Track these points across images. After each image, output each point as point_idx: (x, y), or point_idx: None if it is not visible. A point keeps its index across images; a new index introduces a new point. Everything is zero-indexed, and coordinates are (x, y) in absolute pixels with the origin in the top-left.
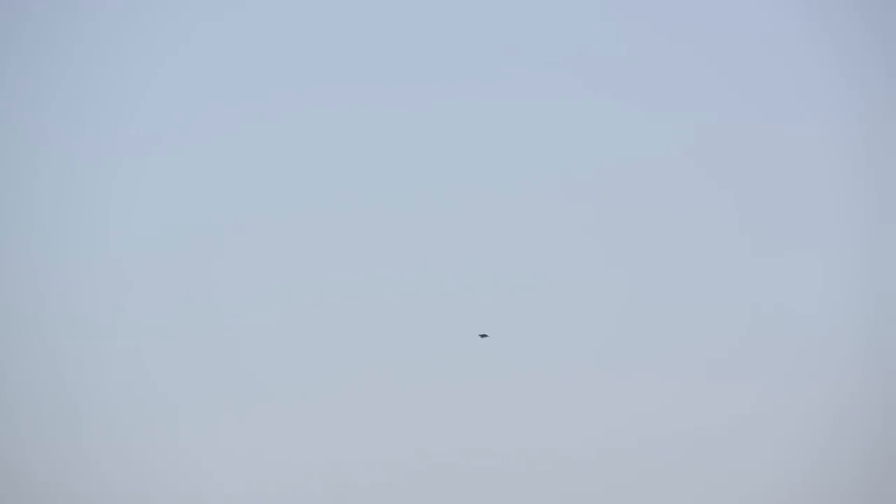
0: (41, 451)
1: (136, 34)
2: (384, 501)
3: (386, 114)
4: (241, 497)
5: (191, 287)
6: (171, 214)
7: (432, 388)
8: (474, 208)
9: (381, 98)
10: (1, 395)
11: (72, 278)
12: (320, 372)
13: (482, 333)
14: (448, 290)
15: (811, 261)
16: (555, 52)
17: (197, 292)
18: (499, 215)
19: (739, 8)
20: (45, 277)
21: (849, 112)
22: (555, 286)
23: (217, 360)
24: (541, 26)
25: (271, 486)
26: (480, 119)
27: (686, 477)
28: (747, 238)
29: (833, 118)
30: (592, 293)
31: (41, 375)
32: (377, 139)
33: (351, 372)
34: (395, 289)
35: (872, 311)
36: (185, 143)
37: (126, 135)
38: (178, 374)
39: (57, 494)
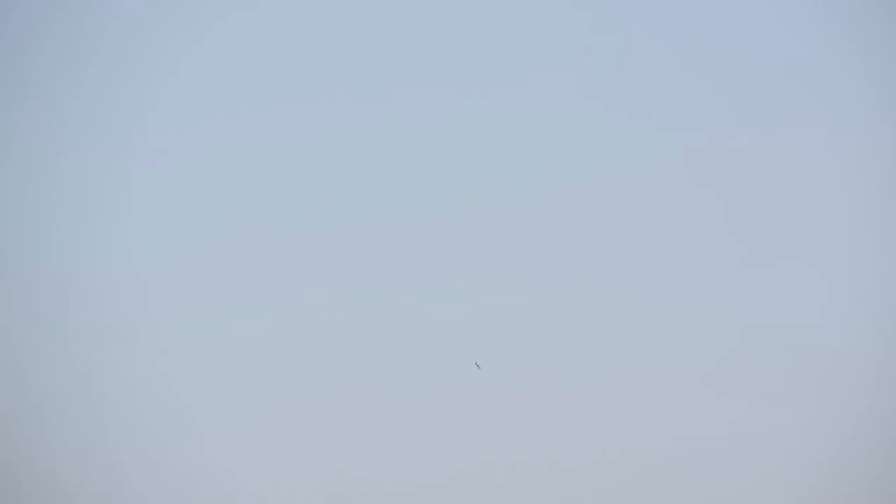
0: (62, 450)
1: (151, 45)
2: None
3: (389, 126)
4: (258, 498)
5: (206, 293)
6: (188, 221)
7: (435, 396)
8: (473, 217)
9: (385, 110)
10: (22, 395)
11: (91, 283)
12: (332, 377)
13: (477, 364)
14: (450, 297)
15: (809, 271)
16: (554, 60)
17: (213, 298)
18: (496, 225)
19: (735, 13)
20: (65, 282)
21: (847, 118)
22: (550, 296)
23: (233, 363)
24: (540, 36)
25: (288, 487)
26: (482, 130)
27: (679, 487)
28: (746, 248)
29: (830, 125)
30: (591, 303)
31: (61, 377)
32: (382, 150)
33: (361, 375)
34: (400, 296)
35: (872, 320)
36: (199, 153)
37: (142, 144)
38: (194, 377)
39: (76, 493)
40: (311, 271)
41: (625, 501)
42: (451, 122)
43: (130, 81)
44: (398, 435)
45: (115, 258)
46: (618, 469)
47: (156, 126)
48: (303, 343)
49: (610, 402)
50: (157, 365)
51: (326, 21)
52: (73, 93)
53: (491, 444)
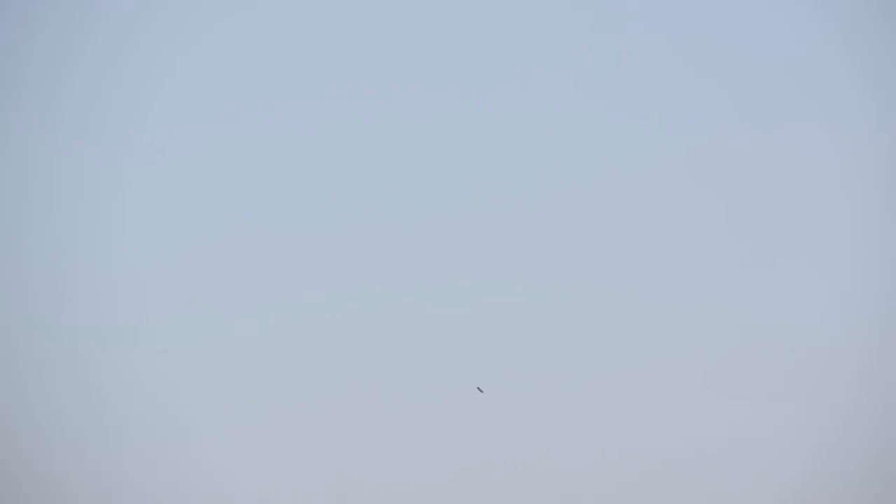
0: (61, 451)
1: (149, 43)
2: None
3: (389, 126)
4: (258, 498)
5: (206, 293)
6: (188, 221)
7: (435, 396)
8: (473, 218)
9: (385, 110)
10: (21, 395)
11: (90, 283)
12: (332, 377)
13: (479, 388)
14: (450, 297)
15: (809, 271)
16: (554, 60)
17: (212, 298)
18: (496, 225)
19: (735, 13)
20: (63, 283)
21: (847, 118)
22: (550, 296)
23: (233, 363)
24: (540, 36)
25: (288, 487)
26: (482, 130)
27: (679, 487)
28: (746, 248)
29: (830, 125)
30: (591, 303)
31: (60, 377)
32: (382, 151)
33: (361, 375)
34: (400, 297)
35: (872, 320)
36: (198, 152)
37: (141, 144)
38: (194, 377)
39: (75, 493)
40: (311, 271)
41: (625, 501)
42: (451, 122)
43: (129, 80)
44: (398, 435)
45: (113, 258)
46: (618, 469)
47: (154, 125)
48: (303, 343)
49: (610, 403)
50: (157, 365)
51: (326, 20)
52: (71, 92)
53: (491, 444)
